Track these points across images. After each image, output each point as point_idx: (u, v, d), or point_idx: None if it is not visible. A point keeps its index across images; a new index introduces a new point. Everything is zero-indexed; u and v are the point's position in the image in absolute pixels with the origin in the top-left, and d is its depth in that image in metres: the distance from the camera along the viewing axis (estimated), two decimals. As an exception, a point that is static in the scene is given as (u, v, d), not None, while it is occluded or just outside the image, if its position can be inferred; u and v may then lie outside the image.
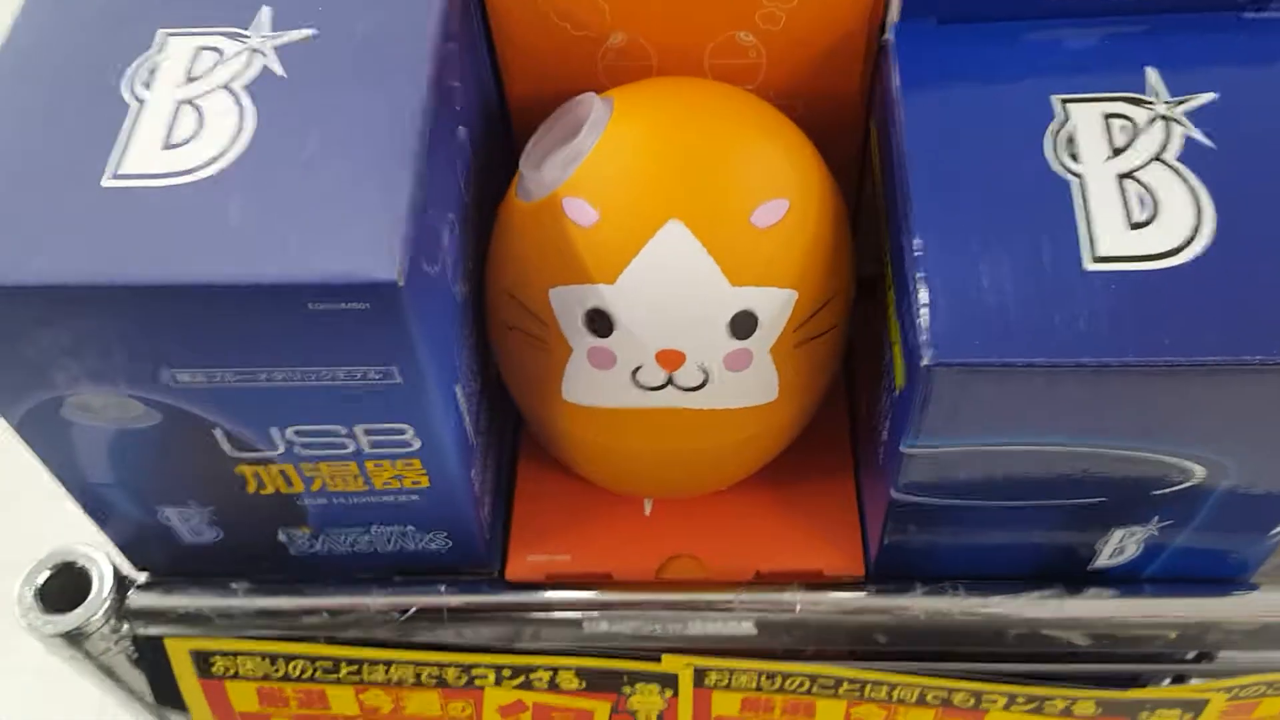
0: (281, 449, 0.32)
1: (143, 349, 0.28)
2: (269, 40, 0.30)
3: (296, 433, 0.31)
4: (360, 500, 0.34)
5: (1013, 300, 0.28)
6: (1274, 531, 0.33)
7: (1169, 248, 0.28)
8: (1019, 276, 0.28)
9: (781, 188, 0.30)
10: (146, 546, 0.37)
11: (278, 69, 0.30)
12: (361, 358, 0.28)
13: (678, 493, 0.38)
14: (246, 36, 0.31)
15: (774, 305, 0.31)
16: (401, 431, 0.31)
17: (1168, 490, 0.32)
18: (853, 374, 0.40)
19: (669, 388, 0.31)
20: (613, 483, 0.38)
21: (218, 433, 0.31)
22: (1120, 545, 0.35)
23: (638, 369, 0.31)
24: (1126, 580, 0.36)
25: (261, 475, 0.33)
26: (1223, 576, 0.36)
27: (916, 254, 0.29)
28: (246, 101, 0.29)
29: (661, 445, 0.34)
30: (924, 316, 0.28)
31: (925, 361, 0.27)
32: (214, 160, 0.28)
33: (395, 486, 0.34)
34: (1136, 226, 0.29)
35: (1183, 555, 0.35)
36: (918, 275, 0.28)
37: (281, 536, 0.36)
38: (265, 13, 0.31)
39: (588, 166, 0.30)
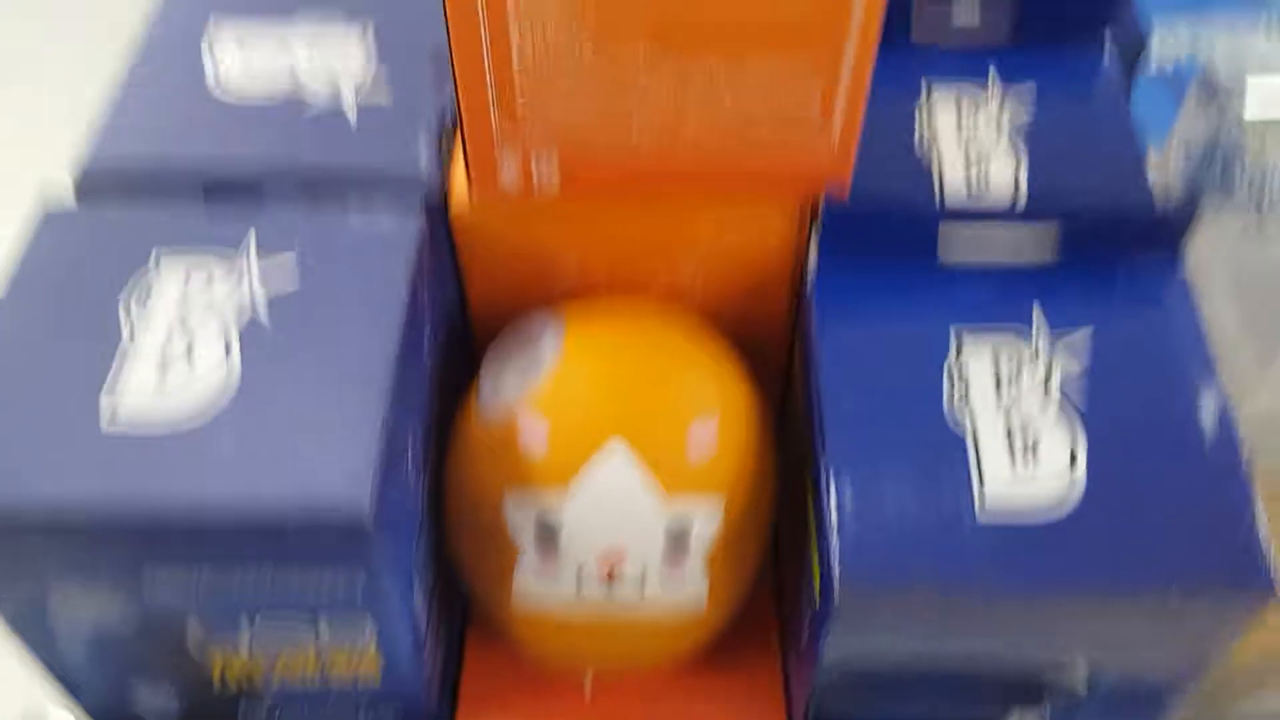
0: (247, 639, 0.34)
1: (128, 561, 0.31)
2: (258, 281, 0.34)
3: (263, 618, 0.34)
4: (316, 692, 0.37)
5: (913, 534, 0.32)
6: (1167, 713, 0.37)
7: (1049, 494, 0.32)
8: (920, 512, 0.32)
9: (713, 405, 0.34)
10: (112, 714, 0.39)
11: (261, 304, 0.34)
12: (329, 568, 0.31)
13: (617, 669, 0.41)
14: (237, 264, 0.34)
15: (706, 515, 0.34)
16: (361, 619, 0.34)
17: (1056, 678, 0.35)
18: (779, 557, 0.44)
19: (609, 587, 0.34)
20: (554, 663, 0.40)
21: (190, 625, 0.34)
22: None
23: (582, 570, 0.34)
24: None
25: (229, 662, 0.36)
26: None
27: (832, 489, 0.32)
28: (234, 342, 0.33)
29: (602, 638, 0.37)
30: (836, 547, 0.31)
31: (835, 585, 0.31)
32: (204, 405, 0.32)
33: (351, 675, 0.36)
34: (1019, 465, 0.33)
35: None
36: (832, 507, 0.32)
37: (242, 705, 0.39)
38: (252, 239, 0.35)
39: (541, 387, 0.34)
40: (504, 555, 0.35)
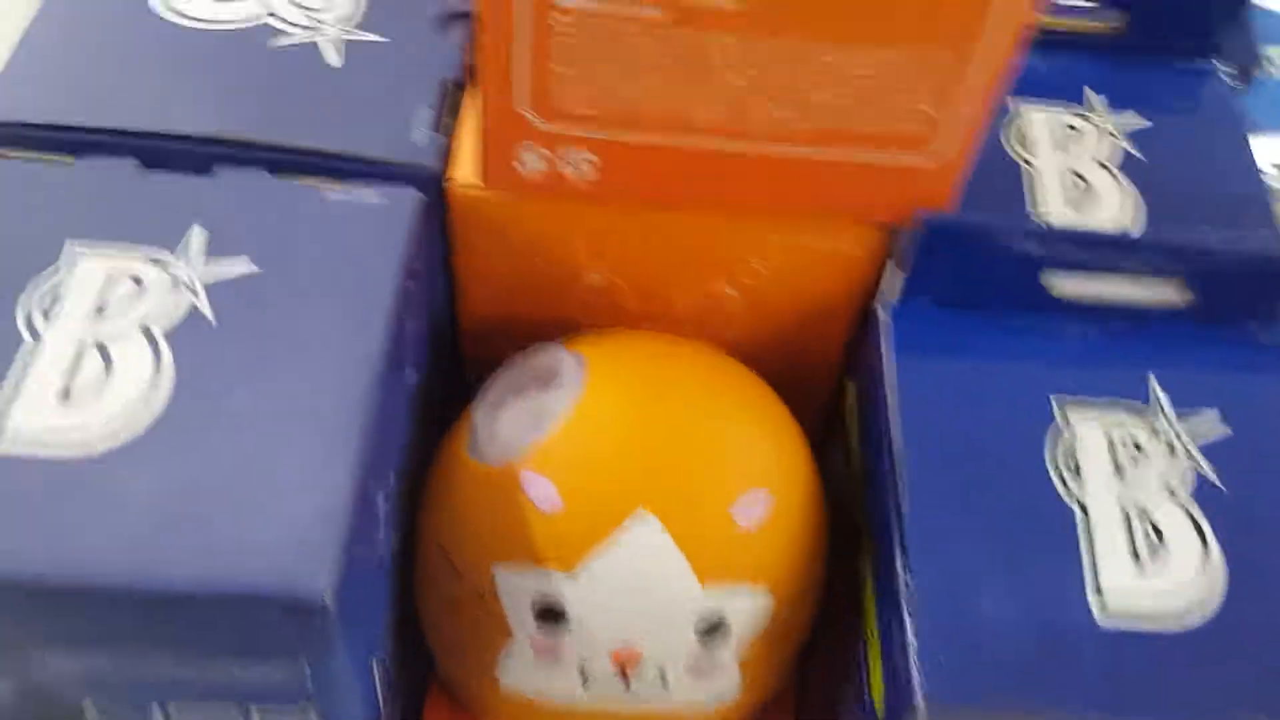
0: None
1: (11, 635, 0.24)
2: (200, 272, 0.27)
3: (178, 708, 0.27)
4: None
5: (1013, 639, 0.25)
6: None
7: (1178, 607, 0.26)
8: (1021, 614, 0.26)
9: (764, 478, 0.28)
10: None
11: (208, 311, 0.26)
12: (270, 656, 0.24)
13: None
14: (174, 265, 0.27)
15: (746, 607, 0.27)
16: (304, 711, 0.27)
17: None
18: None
19: (620, 689, 0.28)
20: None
21: (87, 710, 0.26)
22: None
23: (589, 666, 0.27)
24: None
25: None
26: None
27: (913, 580, 0.26)
28: (166, 351, 0.25)
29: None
30: (918, 657, 0.25)
31: (917, 701, 0.24)
32: (118, 430, 0.24)
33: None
34: (1144, 572, 0.26)
35: None
36: (912, 602, 0.26)
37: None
38: (198, 237, 0.27)
39: (554, 441, 0.27)
40: (491, 637, 0.28)
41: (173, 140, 0.29)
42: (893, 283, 0.31)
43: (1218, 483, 0.28)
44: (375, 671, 0.29)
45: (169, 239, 0.27)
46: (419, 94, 0.31)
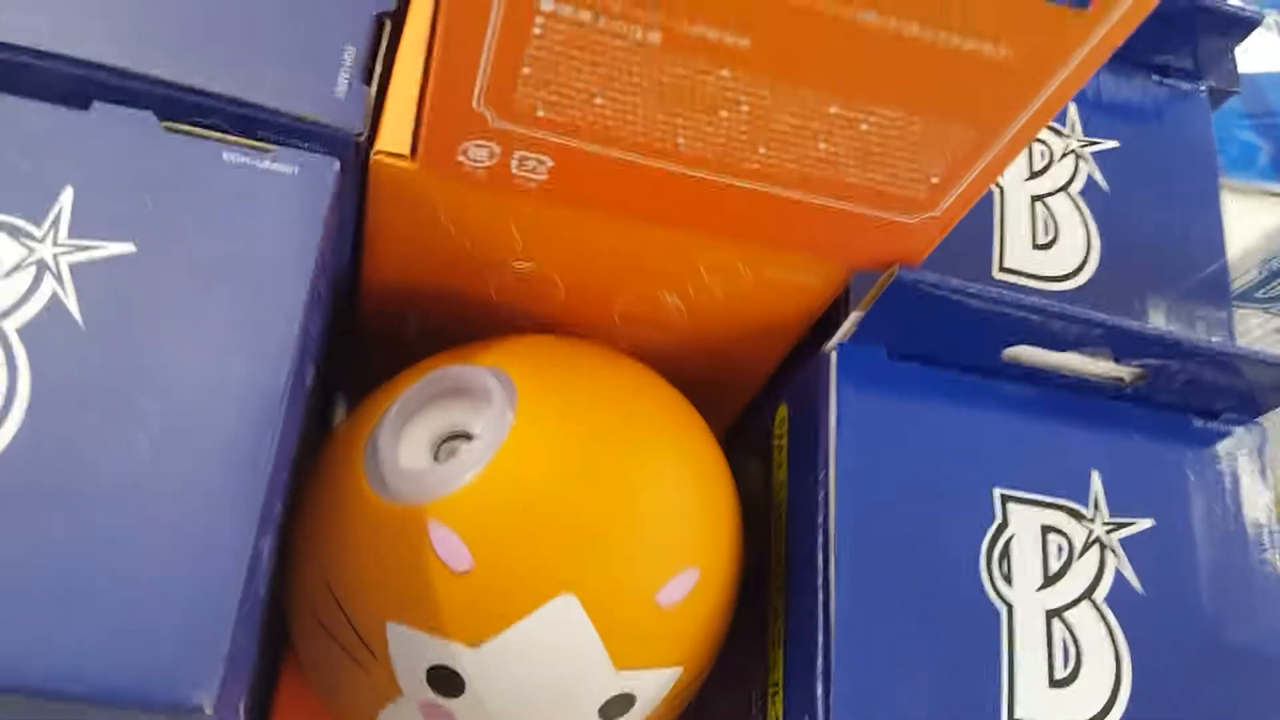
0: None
1: None
2: (66, 253, 0.22)
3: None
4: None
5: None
6: None
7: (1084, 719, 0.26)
8: (933, 733, 0.25)
9: (694, 556, 0.25)
10: None
11: (73, 307, 0.21)
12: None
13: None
14: (34, 238, 0.22)
15: (655, 685, 0.26)
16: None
17: None
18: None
19: (509, 756, 0.26)
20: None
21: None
22: None
23: (479, 735, 0.25)
24: None
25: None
26: None
27: (835, 691, 0.25)
28: (21, 358, 0.21)
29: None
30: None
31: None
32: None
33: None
34: (1056, 684, 0.26)
35: None
36: (830, 712, 0.25)
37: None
38: (66, 201, 0.22)
39: (471, 491, 0.24)
40: (376, 690, 0.26)
41: (45, 59, 0.23)
42: (848, 326, 0.28)
43: (1136, 585, 0.28)
44: (241, 714, 0.26)
45: (31, 201, 0.22)
46: (346, 31, 0.26)
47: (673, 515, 0.25)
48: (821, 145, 0.23)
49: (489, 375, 0.26)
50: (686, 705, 0.29)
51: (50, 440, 0.20)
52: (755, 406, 0.35)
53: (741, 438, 0.35)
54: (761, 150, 0.23)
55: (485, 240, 0.28)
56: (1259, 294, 0.46)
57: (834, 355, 0.29)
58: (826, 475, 0.27)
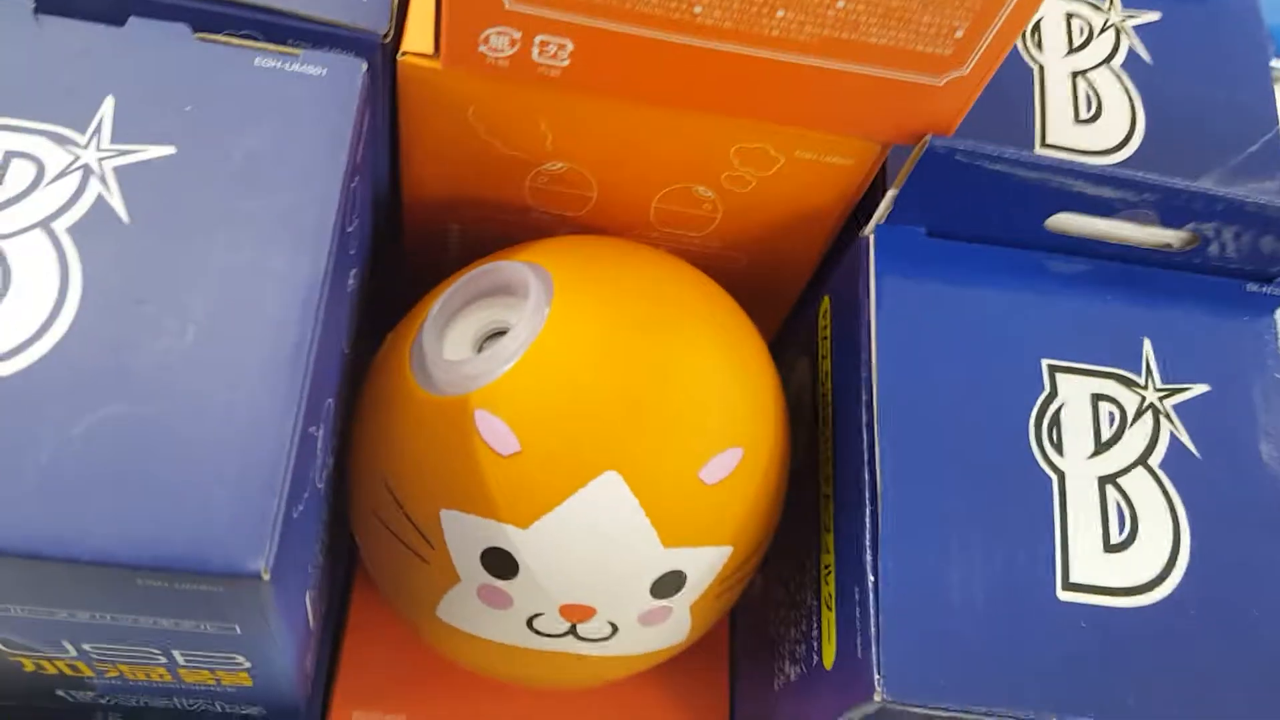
0: (74, 654, 0.25)
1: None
2: (110, 157, 0.23)
3: (96, 648, 0.25)
4: (163, 686, 0.28)
5: (978, 631, 0.25)
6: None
7: (1141, 582, 0.26)
8: (988, 598, 0.25)
9: (737, 435, 0.26)
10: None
11: (119, 205, 0.22)
12: (198, 616, 0.22)
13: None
14: (79, 145, 0.23)
15: (705, 564, 0.26)
16: (232, 659, 0.25)
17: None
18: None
19: (568, 636, 0.27)
20: (480, 676, 0.33)
21: (-9, 640, 0.24)
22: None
23: (537, 616, 0.26)
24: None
25: (43, 664, 0.26)
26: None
27: (884, 557, 0.25)
28: (72, 254, 0.22)
29: (546, 678, 0.29)
30: (878, 642, 0.24)
31: (875, 697, 0.24)
32: (22, 348, 0.21)
33: (210, 683, 0.28)
34: (1112, 549, 0.26)
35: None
36: (878, 587, 0.25)
37: (60, 693, 0.30)
38: (108, 110, 0.23)
39: (513, 377, 0.24)
40: (434, 578, 0.26)
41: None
42: (885, 205, 0.28)
43: (1193, 449, 0.27)
44: (308, 602, 0.27)
45: (74, 113, 0.23)
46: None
47: (712, 394, 0.25)
48: (840, 3, 0.23)
49: (526, 269, 0.26)
50: (742, 587, 0.29)
51: (103, 329, 0.21)
52: (801, 306, 0.35)
53: (790, 338, 0.35)
54: (780, 14, 0.23)
55: (515, 140, 0.28)
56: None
57: (872, 237, 0.28)
58: (869, 355, 0.27)
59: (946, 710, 0.24)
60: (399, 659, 0.34)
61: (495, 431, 0.24)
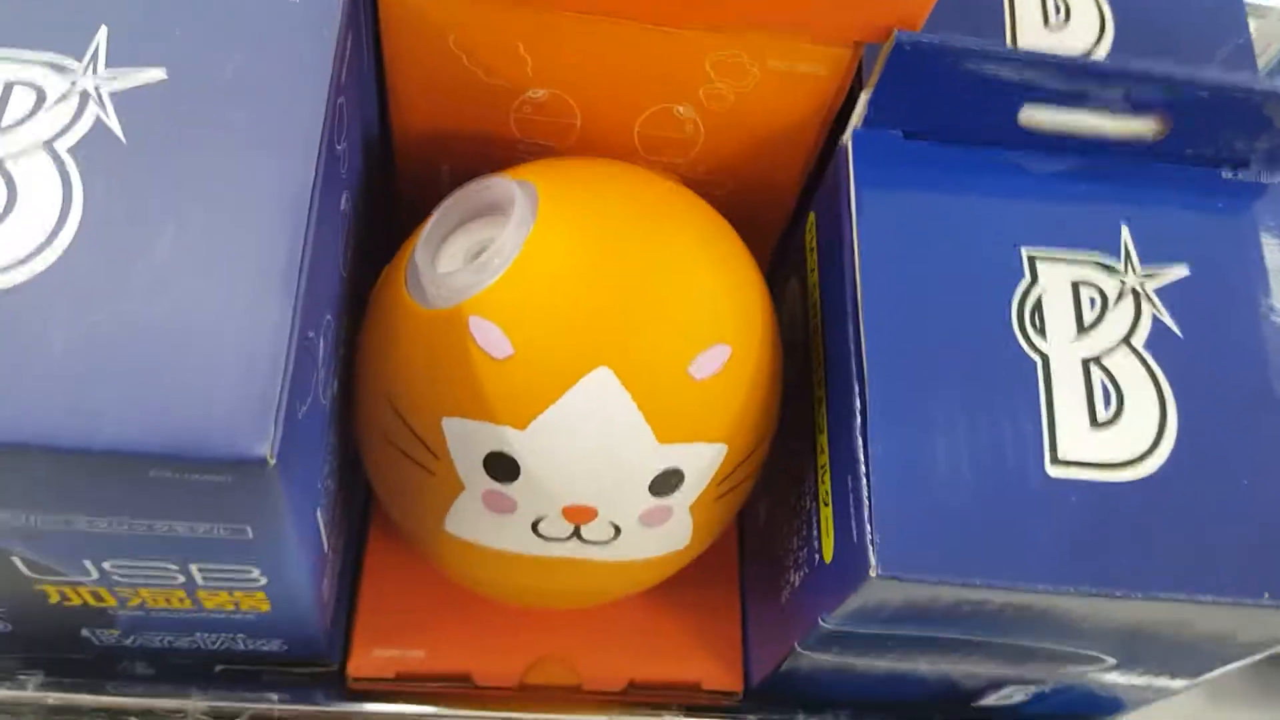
0: (95, 576, 0.26)
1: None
2: (106, 81, 0.24)
3: (115, 565, 0.26)
4: (184, 616, 0.29)
5: (968, 507, 0.25)
6: (1168, 687, 0.33)
7: (1129, 457, 0.26)
8: (977, 476, 0.26)
9: (725, 332, 0.26)
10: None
11: (115, 126, 0.23)
12: (209, 517, 0.23)
13: (557, 608, 0.35)
14: (76, 72, 0.24)
15: (701, 462, 0.27)
16: (247, 572, 0.26)
17: (1074, 667, 0.30)
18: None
19: (573, 540, 0.27)
20: (487, 596, 0.33)
21: (15, 560, 0.25)
22: (1010, 694, 0.33)
23: (540, 520, 0.27)
24: (1006, 717, 0.35)
25: (66, 592, 0.27)
26: (1097, 713, 0.35)
27: (871, 445, 0.25)
28: (73, 171, 0.23)
29: (554, 586, 0.30)
30: (871, 519, 0.25)
31: (871, 572, 0.25)
32: (29, 259, 0.22)
33: (229, 609, 0.29)
34: (1099, 425, 0.26)
35: (1067, 701, 0.34)
36: (869, 467, 0.25)
37: (84, 633, 0.31)
38: (102, 38, 0.24)
39: (504, 284, 0.25)
40: (440, 489, 0.27)
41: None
42: (859, 109, 0.29)
43: (1175, 329, 0.28)
44: (320, 521, 0.28)
45: (71, 42, 0.24)
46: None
47: (697, 292, 0.26)
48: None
49: (513, 184, 0.27)
50: (743, 495, 0.30)
51: (105, 238, 0.22)
52: (791, 231, 0.35)
53: (781, 263, 0.36)
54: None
55: (497, 67, 0.29)
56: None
57: (850, 143, 0.29)
58: (852, 255, 0.28)
59: (942, 583, 0.25)
60: (417, 598, 0.35)
61: (488, 336, 0.25)
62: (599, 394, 0.25)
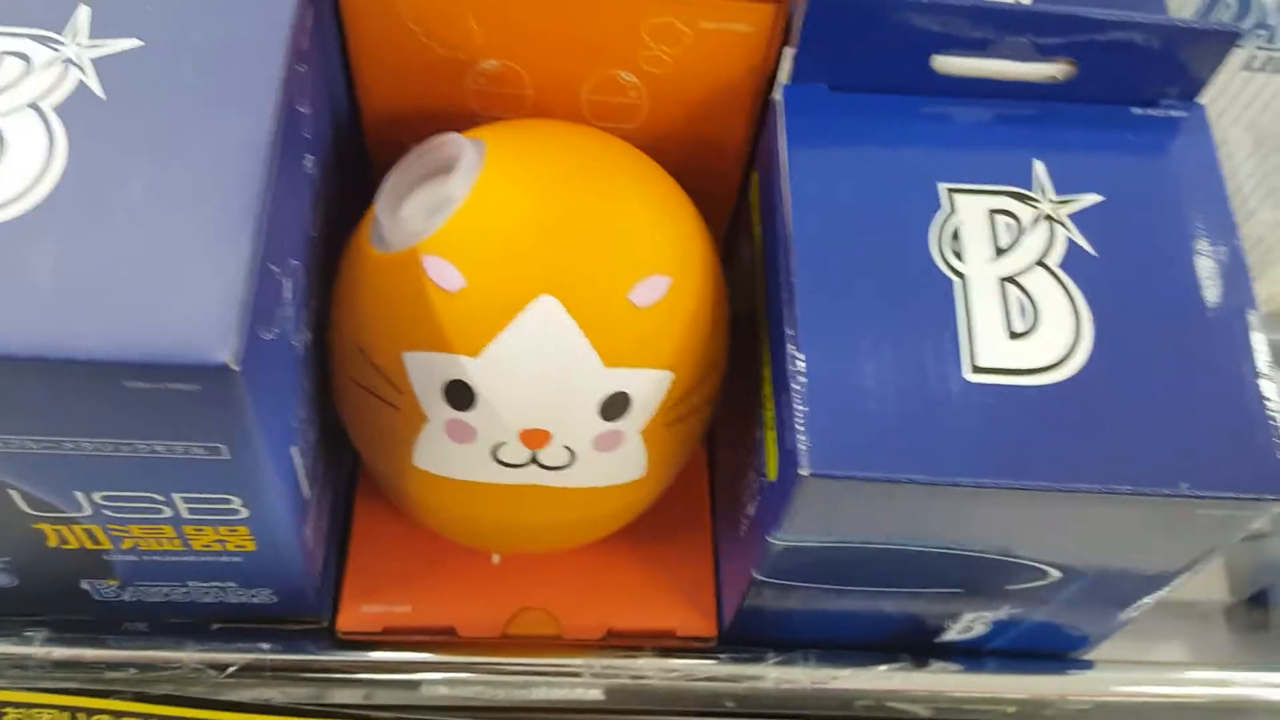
0: (88, 511, 0.28)
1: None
2: (87, 50, 0.26)
3: (105, 497, 0.28)
4: (176, 559, 0.31)
5: (893, 412, 0.27)
6: (1122, 616, 0.34)
7: (1046, 363, 0.28)
8: (900, 385, 0.27)
9: (663, 263, 0.28)
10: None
11: (96, 87, 0.26)
12: (185, 434, 0.25)
13: (530, 551, 0.37)
14: (60, 43, 0.26)
15: (649, 387, 0.29)
16: (227, 501, 0.28)
17: (1022, 585, 0.32)
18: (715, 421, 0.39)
19: (531, 466, 0.29)
20: (461, 540, 0.35)
21: (14, 494, 0.27)
22: (969, 624, 0.35)
23: (499, 446, 0.29)
24: (971, 654, 0.36)
25: (63, 533, 0.29)
26: (1064, 650, 0.37)
27: (800, 359, 0.27)
28: (57, 126, 0.25)
29: (519, 518, 0.32)
30: (803, 426, 0.27)
31: (803, 471, 0.26)
32: (17, 199, 0.24)
33: (217, 549, 0.31)
34: (1016, 336, 0.28)
35: (1028, 633, 0.35)
36: (799, 380, 0.27)
37: (84, 585, 0.33)
38: (83, 15, 0.27)
39: (454, 223, 0.28)
40: (405, 423, 0.29)
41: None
42: (786, 64, 0.31)
43: (1091, 250, 0.30)
44: (296, 461, 0.30)
45: (53, 17, 0.27)
46: None
47: (634, 226, 0.28)
48: None
49: (465, 140, 0.29)
50: (699, 426, 0.31)
51: (85, 181, 0.24)
52: (743, 193, 0.38)
53: (735, 224, 0.38)
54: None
55: (449, 38, 0.31)
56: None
57: (779, 97, 0.31)
58: (783, 200, 0.30)
59: (869, 480, 0.27)
60: (403, 557, 0.37)
61: (441, 271, 0.27)
62: (545, 320, 0.27)
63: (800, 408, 0.27)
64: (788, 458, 0.27)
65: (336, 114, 0.33)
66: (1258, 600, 0.43)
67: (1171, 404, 0.28)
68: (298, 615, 0.35)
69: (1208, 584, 0.44)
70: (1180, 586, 0.32)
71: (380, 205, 0.29)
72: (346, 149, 0.34)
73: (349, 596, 0.36)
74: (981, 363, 0.28)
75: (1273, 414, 0.28)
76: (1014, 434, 0.27)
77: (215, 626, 0.35)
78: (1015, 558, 0.30)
